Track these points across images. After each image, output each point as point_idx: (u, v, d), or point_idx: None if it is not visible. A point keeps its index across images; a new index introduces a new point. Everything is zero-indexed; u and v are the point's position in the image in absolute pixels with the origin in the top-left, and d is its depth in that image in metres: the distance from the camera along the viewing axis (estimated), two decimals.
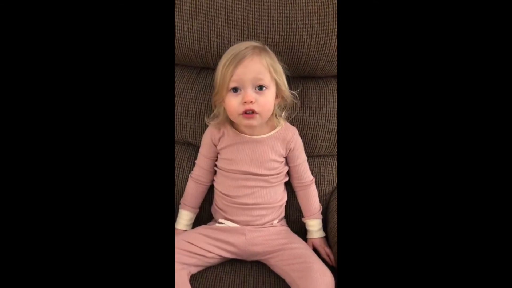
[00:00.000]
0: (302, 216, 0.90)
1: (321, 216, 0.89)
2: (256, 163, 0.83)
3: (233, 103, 0.76)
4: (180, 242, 0.77)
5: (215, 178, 0.88)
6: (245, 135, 0.84)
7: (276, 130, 0.85)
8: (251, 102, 0.74)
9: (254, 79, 0.74)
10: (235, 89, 0.75)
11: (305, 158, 0.89)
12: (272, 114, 0.81)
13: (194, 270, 0.77)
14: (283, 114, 0.84)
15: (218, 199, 0.87)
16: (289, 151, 0.86)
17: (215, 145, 0.86)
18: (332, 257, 0.82)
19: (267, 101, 0.76)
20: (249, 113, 0.75)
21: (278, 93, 0.80)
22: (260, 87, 0.75)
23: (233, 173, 0.83)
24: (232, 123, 0.84)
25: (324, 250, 0.84)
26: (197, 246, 0.77)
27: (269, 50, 0.79)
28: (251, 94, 0.74)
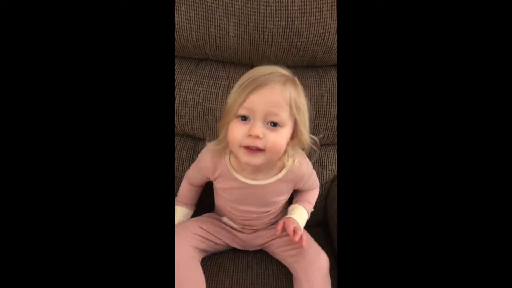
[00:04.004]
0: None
1: (309, 214, 0.80)
2: (258, 205, 0.75)
3: (236, 132, 0.62)
4: (194, 228, 0.77)
5: (214, 193, 0.83)
6: (244, 180, 0.71)
7: (284, 172, 0.72)
8: (258, 137, 0.61)
9: (268, 113, 0.61)
10: (244, 117, 0.62)
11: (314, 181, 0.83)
12: (284, 153, 0.67)
13: (203, 255, 0.77)
14: (295, 160, 0.69)
15: (220, 208, 0.83)
16: (298, 187, 0.78)
17: (208, 178, 0.78)
18: (299, 237, 0.68)
19: (277, 141, 0.62)
20: (253, 148, 0.62)
21: (295, 134, 0.67)
22: (274, 124, 0.62)
23: (233, 207, 0.77)
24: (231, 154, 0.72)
25: (293, 227, 0.70)
26: (209, 232, 0.77)
27: (298, 83, 0.67)
28: (260, 127, 0.61)
